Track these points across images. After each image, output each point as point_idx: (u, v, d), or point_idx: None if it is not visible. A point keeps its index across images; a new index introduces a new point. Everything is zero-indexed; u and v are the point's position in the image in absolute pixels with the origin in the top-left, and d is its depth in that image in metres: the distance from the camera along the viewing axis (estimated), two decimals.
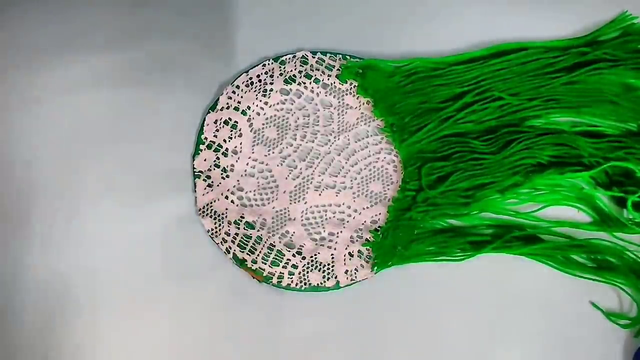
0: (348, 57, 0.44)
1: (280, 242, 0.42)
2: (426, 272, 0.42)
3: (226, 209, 0.42)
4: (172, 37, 0.45)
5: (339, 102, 0.44)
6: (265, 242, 0.42)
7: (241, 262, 0.42)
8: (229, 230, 0.42)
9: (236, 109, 0.43)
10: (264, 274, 0.42)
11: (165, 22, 0.45)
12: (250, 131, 0.44)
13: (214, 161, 0.43)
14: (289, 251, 0.42)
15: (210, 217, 0.42)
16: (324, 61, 0.44)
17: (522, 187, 0.42)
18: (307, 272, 0.42)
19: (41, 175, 0.42)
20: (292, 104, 0.44)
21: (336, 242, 0.42)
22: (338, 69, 0.44)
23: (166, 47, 0.44)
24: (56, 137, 0.43)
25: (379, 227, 0.43)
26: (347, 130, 0.44)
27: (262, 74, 0.44)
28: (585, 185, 0.43)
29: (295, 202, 0.43)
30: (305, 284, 0.42)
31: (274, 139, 0.44)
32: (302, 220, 0.43)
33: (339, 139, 0.44)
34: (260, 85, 0.44)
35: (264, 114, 0.44)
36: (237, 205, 0.43)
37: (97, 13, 0.45)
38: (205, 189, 0.42)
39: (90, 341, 0.39)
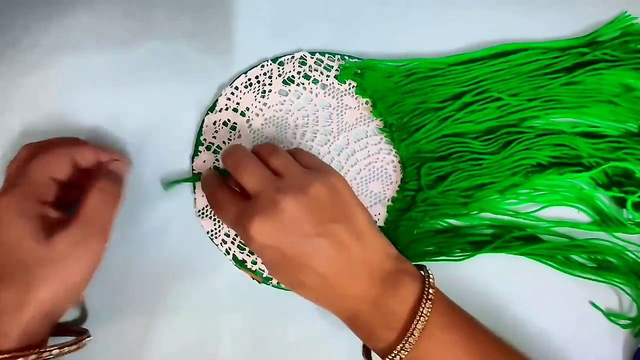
0: (347, 58, 0.44)
1: None
2: None
3: None
4: (171, 37, 0.44)
5: (338, 103, 0.44)
6: None
7: (241, 263, 0.42)
8: (228, 231, 0.42)
9: (235, 110, 0.43)
10: (264, 275, 0.42)
11: (164, 23, 0.45)
12: (250, 132, 0.44)
13: (214, 163, 0.43)
14: None
15: (210, 218, 0.42)
16: (322, 62, 0.44)
17: (522, 188, 0.42)
18: None
19: None
20: (291, 104, 0.44)
21: None
22: (337, 70, 0.44)
23: (164, 48, 0.44)
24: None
25: (378, 227, 0.43)
26: (347, 130, 0.44)
27: (260, 74, 0.44)
28: (585, 185, 0.43)
29: None
30: None
31: (273, 139, 0.44)
32: None
33: (338, 139, 0.44)
34: (259, 86, 0.44)
35: (263, 114, 0.44)
36: None
37: (97, 13, 0.45)
38: None
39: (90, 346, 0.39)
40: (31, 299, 0.31)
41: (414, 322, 0.32)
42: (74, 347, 0.34)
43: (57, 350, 0.33)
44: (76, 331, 0.37)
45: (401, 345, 0.32)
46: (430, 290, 0.34)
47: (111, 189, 0.36)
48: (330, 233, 0.33)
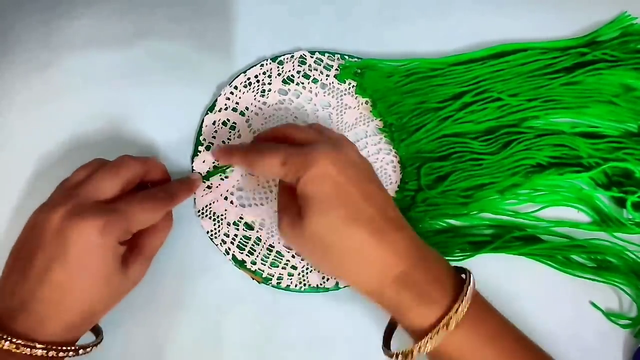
0: (346, 57, 0.44)
1: (279, 242, 0.42)
2: None
3: (225, 210, 0.42)
4: (171, 37, 0.44)
5: (338, 102, 0.44)
6: (265, 243, 0.42)
7: (240, 264, 0.42)
8: (228, 231, 0.42)
9: (234, 109, 0.43)
10: (264, 275, 0.42)
11: (164, 23, 0.45)
12: (249, 132, 0.43)
13: (213, 163, 0.43)
14: (288, 252, 0.42)
15: (210, 218, 0.42)
16: (322, 61, 0.44)
17: (522, 188, 0.42)
18: (307, 273, 0.42)
19: (39, 177, 0.42)
20: (291, 104, 0.44)
21: None
22: (336, 69, 0.44)
23: (164, 48, 0.44)
24: (55, 137, 0.43)
25: None
26: (346, 130, 0.44)
27: (260, 74, 0.44)
28: (585, 185, 0.43)
29: None
30: (304, 284, 0.42)
31: None
32: None
33: None
34: (258, 85, 0.44)
35: (263, 114, 0.44)
36: (236, 206, 0.42)
37: (97, 13, 0.45)
38: (204, 190, 0.42)
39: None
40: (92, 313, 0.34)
41: (458, 303, 0.31)
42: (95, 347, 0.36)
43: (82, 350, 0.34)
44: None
45: (448, 317, 0.31)
46: (471, 277, 0.33)
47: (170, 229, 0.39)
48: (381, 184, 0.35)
